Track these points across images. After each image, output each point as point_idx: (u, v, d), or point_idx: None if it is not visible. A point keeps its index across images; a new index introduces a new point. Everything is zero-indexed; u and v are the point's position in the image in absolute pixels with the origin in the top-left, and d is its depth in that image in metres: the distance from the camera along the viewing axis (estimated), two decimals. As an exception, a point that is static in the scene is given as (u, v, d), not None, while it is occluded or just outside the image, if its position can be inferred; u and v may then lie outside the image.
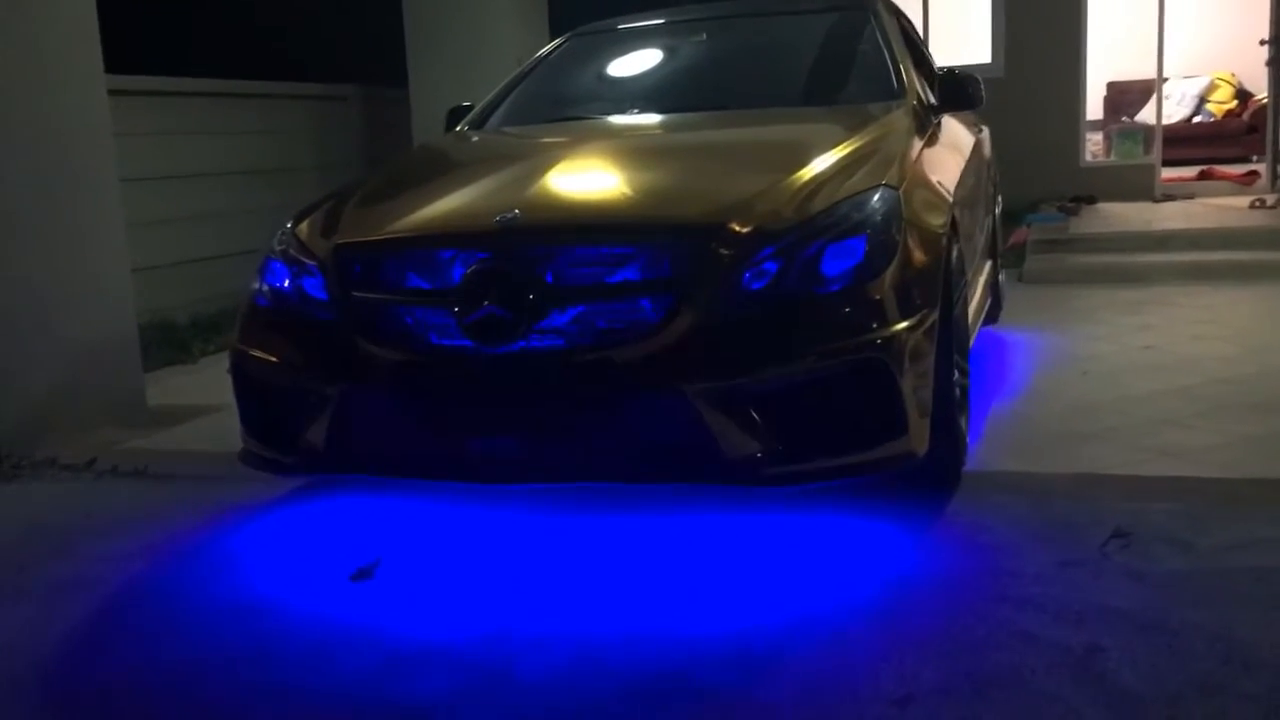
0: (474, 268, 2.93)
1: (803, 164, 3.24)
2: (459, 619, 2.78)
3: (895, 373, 2.88)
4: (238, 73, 8.28)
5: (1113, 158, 10.45)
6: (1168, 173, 10.17)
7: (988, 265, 5.43)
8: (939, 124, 4.14)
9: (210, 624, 2.84)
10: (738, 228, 2.93)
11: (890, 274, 2.95)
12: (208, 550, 3.32)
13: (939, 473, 3.31)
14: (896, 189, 3.15)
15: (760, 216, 2.97)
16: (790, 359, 2.86)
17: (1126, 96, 11.93)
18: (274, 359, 3.22)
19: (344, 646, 2.68)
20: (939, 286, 3.11)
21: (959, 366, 3.54)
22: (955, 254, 3.34)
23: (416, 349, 2.98)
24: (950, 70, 4.22)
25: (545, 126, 4.22)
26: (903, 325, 2.93)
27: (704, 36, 4.66)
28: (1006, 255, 7.87)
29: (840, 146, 3.40)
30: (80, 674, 2.62)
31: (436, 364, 2.96)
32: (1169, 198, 9.62)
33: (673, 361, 2.83)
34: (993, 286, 5.69)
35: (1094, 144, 10.84)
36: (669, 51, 4.64)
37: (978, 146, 5.10)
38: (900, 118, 3.78)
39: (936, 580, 2.83)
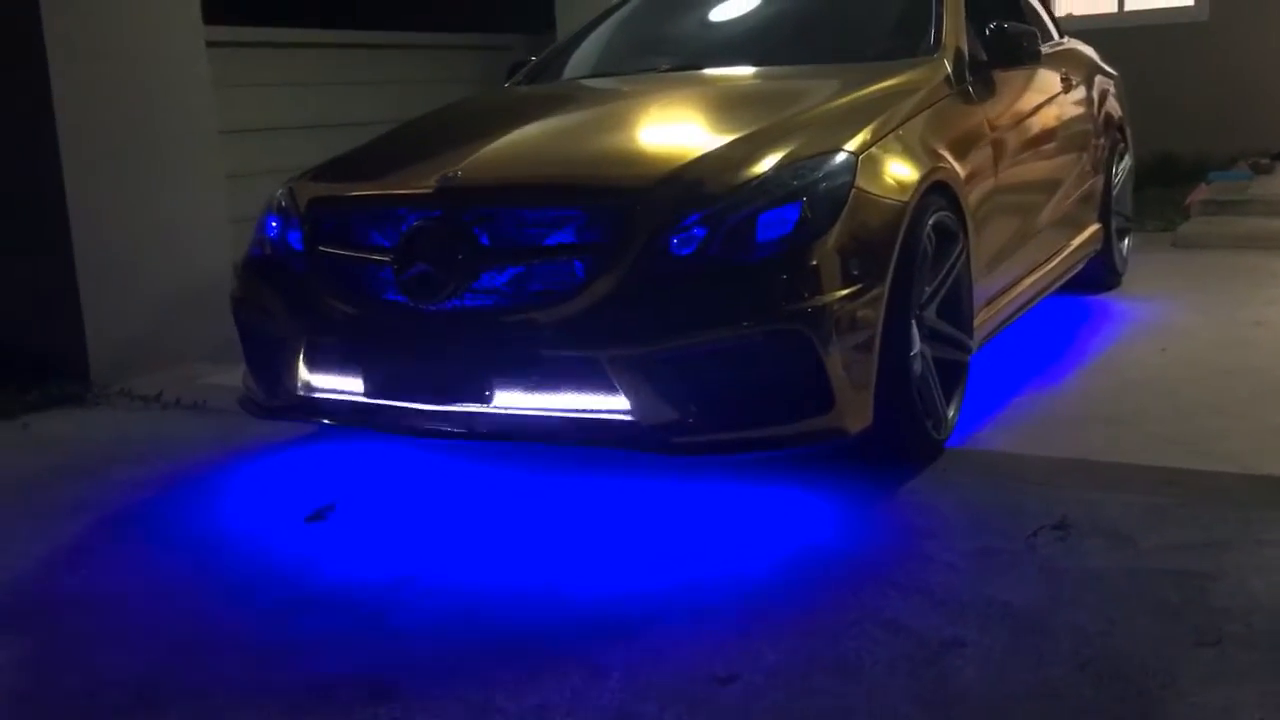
0: (413, 226, 3.02)
1: (768, 125, 3.18)
2: (376, 563, 2.91)
3: (817, 345, 2.80)
4: (408, 25, 8.60)
5: (1332, 111, 9.53)
6: (1395, 128, 9.19)
7: (1089, 230, 5.11)
8: (986, 81, 3.93)
9: (172, 552, 3.07)
10: (667, 192, 2.92)
11: (825, 244, 2.86)
12: (209, 483, 3.58)
13: (898, 449, 3.20)
14: (856, 154, 3.04)
15: (694, 181, 2.94)
16: (707, 326, 2.83)
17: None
18: (261, 307, 3.42)
19: (266, 583, 2.85)
20: (890, 259, 2.99)
21: (953, 340, 3.40)
22: (931, 224, 3.18)
23: (366, 304, 3.11)
24: (1000, 25, 3.98)
25: (566, 84, 4.30)
26: (834, 297, 2.84)
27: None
28: (1176, 217, 7.38)
29: (822, 107, 3.33)
30: (33, 590, 2.90)
31: (380, 319, 3.08)
32: (1388, 157, 8.70)
33: (590, 325, 2.86)
34: (1104, 253, 5.36)
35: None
36: (718, 5, 4.57)
37: (1071, 102, 4.80)
38: (918, 76, 3.63)
39: (840, 559, 2.76)
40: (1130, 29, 9.78)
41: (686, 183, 2.93)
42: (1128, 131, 5.78)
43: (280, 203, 3.46)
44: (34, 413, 4.41)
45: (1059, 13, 10.23)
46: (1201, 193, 7.65)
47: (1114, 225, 5.50)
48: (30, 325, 4.84)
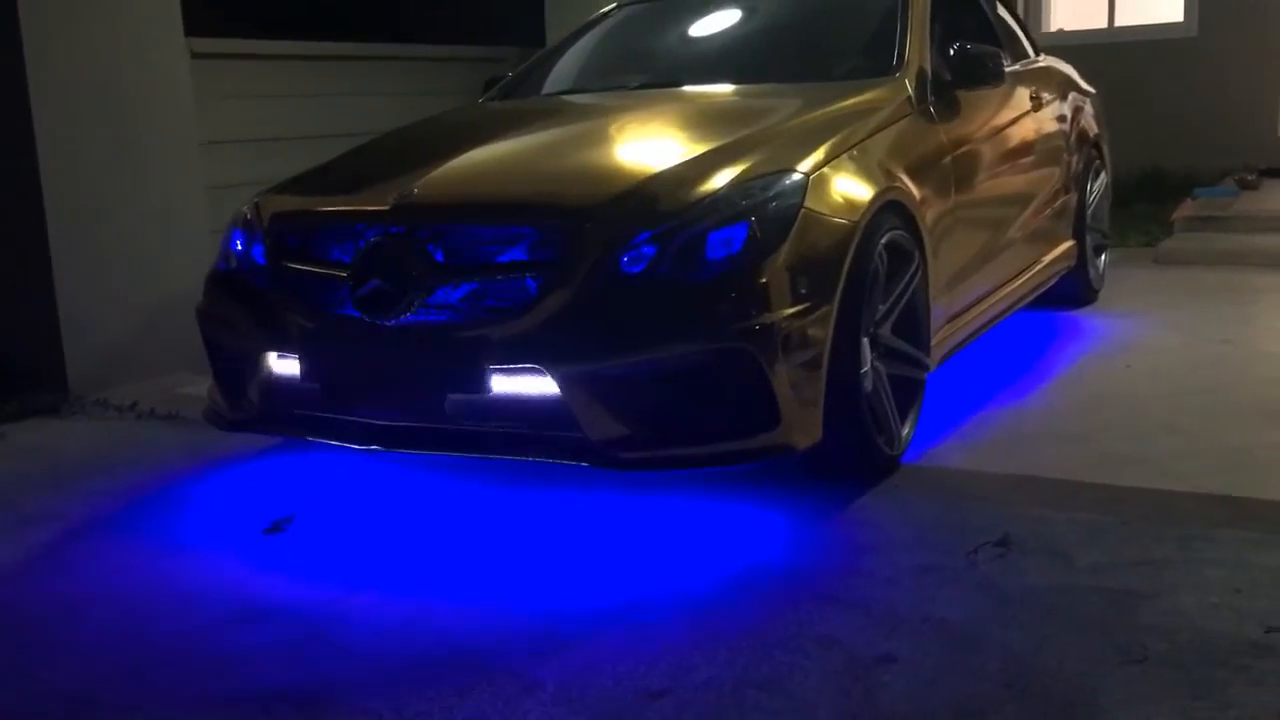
0: (370, 242, 3.07)
1: (724, 144, 3.22)
2: (327, 577, 2.94)
3: (763, 363, 2.84)
4: (401, 37, 8.62)
5: (1318, 127, 9.57)
6: (1384, 144, 9.22)
7: (1061, 247, 5.14)
8: (950, 101, 3.96)
9: (125, 563, 3.10)
10: (618, 210, 2.96)
11: (773, 263, 2.90)
12: (174, 494, 3.61)
13: (849, 465, 3.23)
14: (807, 175, 3.07)
15: (646, 199, 2.98)
16: (656, 343, 2.86)
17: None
18: (225, 321, 3.46)
19: (216, 595, 2.88)
20: (839, 278, 3.02)
21: (909, 358, 3.43)
22: (883, 243, 3.21)
23: (325, 319, 3.15)
24: (963, 46, 4.01)
25: (536, 100, 4.36)
26: (781, 315, 2.87)
27: (735, 7, 4.60)
28: (1159, 233, 7.41)
29: (781, 126, 3.37)
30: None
31: (337, 334, 3.12)
32: (1376, 172, 8.73)
33: (541, 342, 2.89)
34: (1079, 270, 5.40)
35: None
36: (692, 23, 4.61)
37: (1041, 120, 4.83)
38: (880, 96, 3.66)
39: (784, 575, 2.79)
40: (1120, 44, 9.84)
41: (638, 201, 2.97)
42: (1105, 148, 5.81)
43: (245, 217, 3.50)
44: (11, 422, 4.46)
45: (1050, 28, 10.30)
46: (1187, 208, 7.68)
47: (1090, 242, 5.53)
48: (8, 336, 4.89)
